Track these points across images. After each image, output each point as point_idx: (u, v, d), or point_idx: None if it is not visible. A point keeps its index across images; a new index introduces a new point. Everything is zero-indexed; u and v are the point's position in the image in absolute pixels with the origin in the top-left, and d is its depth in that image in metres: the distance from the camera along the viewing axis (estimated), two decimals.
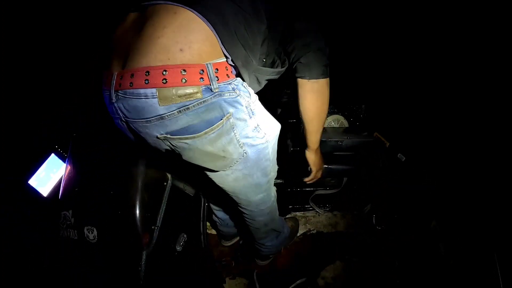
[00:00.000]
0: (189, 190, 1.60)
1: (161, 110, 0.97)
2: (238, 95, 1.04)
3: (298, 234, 2.24)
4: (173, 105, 0.96)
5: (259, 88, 1.23)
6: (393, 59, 2.04)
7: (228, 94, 1.01)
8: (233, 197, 1.38)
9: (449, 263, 1.63)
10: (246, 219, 1.57)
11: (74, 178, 1.55)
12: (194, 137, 1.02)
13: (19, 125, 1.96)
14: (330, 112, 2.19)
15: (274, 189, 1.51)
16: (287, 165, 2.20)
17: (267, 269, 2.12)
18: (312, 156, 1.58)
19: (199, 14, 0.95)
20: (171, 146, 1.06)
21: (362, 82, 2.23)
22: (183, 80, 0.95)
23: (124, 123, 1.08)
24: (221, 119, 1.01)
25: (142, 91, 0.96)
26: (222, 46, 0.99)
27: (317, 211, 2.32)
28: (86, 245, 1.45)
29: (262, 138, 1.15)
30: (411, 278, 1.87)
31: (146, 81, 0.95)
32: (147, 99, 0.96)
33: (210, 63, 0.98)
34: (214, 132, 1.03)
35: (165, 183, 1.46)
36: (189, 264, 1.60)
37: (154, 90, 0.95)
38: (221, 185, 1.28)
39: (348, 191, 2.33)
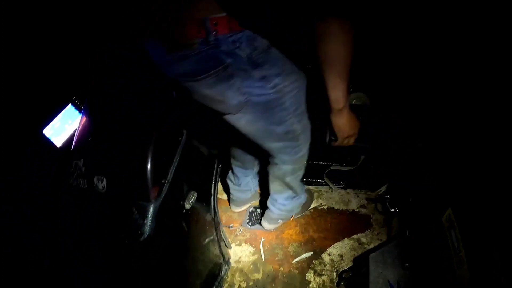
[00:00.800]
0: (204, 149, 1.56)
1: (168, 57, 1.14)
2: (238, 47, 1.09)
3: (309, 208, 2.20)
4: (176, 53, 1.11)
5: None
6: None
7: (226, 46, 1.08)
8: (253, 140, 1.45)
9: (459, 254, 1.57)
10: (270, 164, 1.61)
11: (89, 128, 1.53)
12: (193, 81, 1.15)
13: (37, 74, 1.94)
14: (351, 91, 2.10)
15: (305, 146, 1.53)
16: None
17: (274, 240, 2.09)
18: (337, 120, 1.28)
19: None
20: (183, 84, 1.21)
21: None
22: (183, 33, 1.06)
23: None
24: (218, 68, 1.10)
25: (155, 39, 1.16)
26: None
27: (330, 187, 2.27)
28: (94, 195, 1.44)
29: (272, 88, 1.19)
30: (419, 263, 1.82)
31: (152, 34, 1.15)
32: (159, 47, 1.15)
33: (208, 18, 1.02)
34: (211, 78, 1.12)
35: (180, 138, 1.43)
36: (196, 223, 1.58)
37: (161, 40, 1.13)
38: (236, 127, 1.37)
39: (364, 170, 2.26)
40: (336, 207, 2.21)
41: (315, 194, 2.28)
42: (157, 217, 1.33)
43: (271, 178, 1.71)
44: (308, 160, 2.30)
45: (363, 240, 2.04)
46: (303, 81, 1.29)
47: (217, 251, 1.81)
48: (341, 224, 2.13)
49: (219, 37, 1.06)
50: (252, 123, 1.32)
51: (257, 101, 1.22)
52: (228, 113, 1.29)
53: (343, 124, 1.29)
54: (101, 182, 1.42)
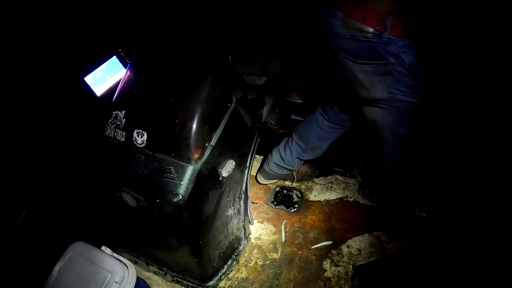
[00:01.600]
0: (248, 120, 1.52)
1: (340, 30, 1.28)
2: (404, 52, 1.24)
3: (335, 198, 2.17)
4: (348, 31, 1.25)
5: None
6: None
7: (394, 47, 1.23)
8: (371, 123, 1.57)
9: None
10: (377, 149, 1.73)
11: (134, 82, 1.49)
12: (353, 61, 1.30)
13: (88, 23, 1.91)
14: None
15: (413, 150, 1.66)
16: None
17: (297, 223, 2.07)
18: None
19: None
20: (339, 61, 1.34)
21: None
22: (363, 19, 1.20)
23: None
24: (380, 61, 1.25)
25: (334, 11, 1.27)
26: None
27: (359, 180, 2.23)
28: (131, 148, 1.41)
29: (414, 98, 1.36)
30: (438, 271, 1.78)
31: (340, 6, 1.25)
32: (335, 18, 1.28)
33: (390, 17, 1.19)
34: (369, 67, 1.28)
35: (228, 104, 1.39)
36: (228, 193, 1.55)
37: (341, 14, 1.26)
38: (366, 114, 1.52)
39: None
40: (362, 202, 2.17)
41: (342, 185, 2.24)
42: (195, 180, 1.31)
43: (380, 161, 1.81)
44: (341, 150, 2.29)
45: (383, 238, 2.00)
46: None
47: (240, 225, 1.79)
48: (364, 218, 2.09)
49: (392, 38, 1.22)
50: (381, 117, 1.48)
51: (397, 104, 1.38)
52: (363, 101, 1.45)
53: None
54: (141, 137, 1.40)
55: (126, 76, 1.52)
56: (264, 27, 2.35)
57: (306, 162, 2.21)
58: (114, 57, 2.01)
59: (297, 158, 2.07)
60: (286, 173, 2.16)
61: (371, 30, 1.22)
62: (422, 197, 2.07)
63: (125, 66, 2.03)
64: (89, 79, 1.91)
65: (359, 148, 2.28)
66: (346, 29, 1.26)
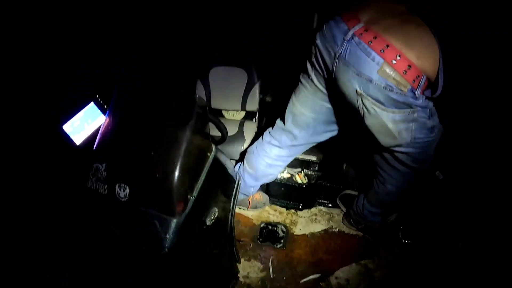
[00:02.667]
0: (229, 165, 1.54)
1: (375, 76, 1.20)
2: (429, 101, 1.30)
3: (320, 230, 2.19)
4: (385, 80, 1.20)
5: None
6: None
7: (422, 100, 1.27)
8: (380, 160, 1.61)
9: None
10: (378, 179, 1.75)
11: (113, 132, 1.50)
12: (383, 109, 1.26)
13: (62, 70, 1.91)
14: None
15: (416, 176, 1.67)
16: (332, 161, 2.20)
17: (283, 258, 2.07)
18: None
19: (440, 52, 1.20)
20: (362, 103, 1.28)
21: None
22: (404, 72, 1.18)
23: (332, 60, 1.30)
24: (409, 109, 1.26)
25: (373, 53, 1.19)
26: (441, 78, 1.24)
27: (342, 210, 2.26)
28: (115, 202, 1.41)
29: (432, 137, 1.40)
30: None
31: (382, 51, 1.17)
32: (372, 61, 1.19)
33: (425, 76, 1.21)
34: (399, 115, 1.27)
35: (208, 154, 1.41)
36: (212, 238, 1.56)
37: (382, 60, 1.18)
38: (377, 148, 1.51)
39: None
40: (347, 231, 2.20)
41: (327, 216, 2.26)
42: (179, 233, 1.31)
43: (373, 189, 1.85)
44: (322, 182, 2.33)
45: (370, 266, 2.02)
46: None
47: (227, 265, 1.79)
48: (350, 248, 2.11)
49: (420, 94, 1.26)
50: (394, 157, 1.51)
51: (416, 145, 1.41)
52: (381, 145, 1.44)
53: None
54: (123, 191, 1.40)
55: (105, 124, 1.51)
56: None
57: (260, 189, 2.23)
58: (92, 103, 1.99)
59: (250, 186, 2.07)
60: (242, 197, 2.18)
61: (406, 84, 1.21)
62: (405, 224, 2.11)
63: (103, 112, 2.02)
64: (67, 127, 1.88)
65: (341, 178, 2.32)
66: (383, 76, 1.20)
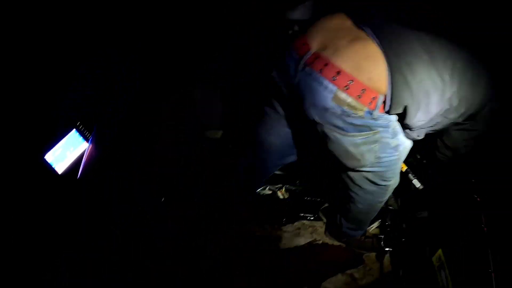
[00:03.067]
0: None
1: (330, 104, 1.18)
2: (390, 121, 1.25)
3: (304, 243, 2.17)
4: (341, 107, 1.17)
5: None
6: None
7: (382, 120, 1.22)
8: (347, 180, 1.55)
9: None
10: (348, 199, 1.69)
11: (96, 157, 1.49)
12: (344, 134, 1.23)
13: (42, 97, 1.85)
14: None
15: (388, 195, 1.65)
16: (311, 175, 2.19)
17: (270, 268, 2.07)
18: None
19: (389, 72, 1.14)
20: (322, 131, 1.27)
21: None
22: (359, 96, 1.15)
23: (289, 90, 1.30)
24: (369, 132, 1.23)
25: (325, 82, 1.16)
26: (389, 97, 1.17)
27: (325, 222, 2.25)
28: None
29: (397, 155, 1.38)
30: None
31: (334, 78, 1.15)
32: (324, 90, 1.17)
33: (382, 96, 1.16)
34: (360, 138, 1.25)
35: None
36: None
37: (335, 88, 1.15)
38: (342, 169, 1.47)
39: None
40: (330, 242, 2.15)
41: (310, 229, 2.23)
42: None
43: (344, 212, 1.85)
44: (304, 196, 2.32)
45: (356, 275, 2.00)
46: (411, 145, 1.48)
47: None
48: (335, 259, 2.05)
49: (379, 114, 1.21)
50: (362, 174, 1.46)
51: (381, 164, 1.38)
52: (351, 167, 1.40)
53: None
54: None
55: (89, 151, 1.49)
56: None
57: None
58: (74, 130, 1.87)
59: None
60: None
61: (363, 107, 1.18)
62: (386, 232, 2.10)
63: (85, 139, 1.90)
64: (50, 156, 1.77)
65: (322, 191, 2.29)
66: (338, 103, 1.18)
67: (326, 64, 1.16)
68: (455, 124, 1.33)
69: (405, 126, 1.31)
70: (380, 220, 2.13)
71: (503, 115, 1.37)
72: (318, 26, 1.26)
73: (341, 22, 1.24)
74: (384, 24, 1.18)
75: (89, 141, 1.44)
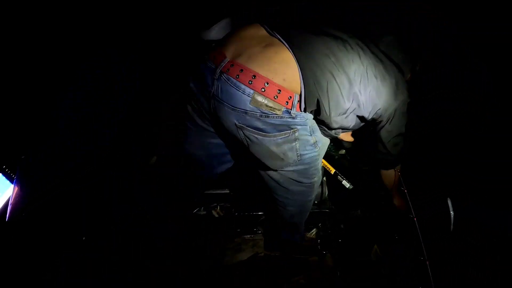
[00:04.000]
0: None
1: (248, 107, 1.24)
2: (307, 119, 1.33)
3: (246, 258, 2.15)
4: (259, 108, 1.24)
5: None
6: None
7: (299, 118, 1.30)
8: (273, 184, 1.59)
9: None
10: (278, 205, 1.73)
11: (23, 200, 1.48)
12: (264, 135, 1.29)
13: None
14: None
15: (315, 192, 1.71)
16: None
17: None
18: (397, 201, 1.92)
19: (300, 72, 1.23)
20: (243, 135, 1.31)
21: None
22: (275, 97, 1.22)
23: (208, 100, 1.32)
24: (289, 131, 1.30)
25: (242, 86, 1.22)
26: (303, 96, 1.27)
27: (263, 234, 2.21)
28: None
29: (317, 151, 1.44)
30: None
31: (250, 82, 1.21)
32: (243, 94, 1.22)
33: (297, 95, 1.26)
34: (281, 138, 1.31)
35: None
36: None
37: (252, 91, 1.22)
38: (267, 173, 1.52)
39: None
40: (272, 254, 2.15)
41: (251, 243, 2.21)
42: None
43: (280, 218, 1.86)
44: (241, 212, 2.30)
45: (302, 282, 1.99)
46: (328, 142, 1.61)
47: None
48: (279, 269, 2.05)
49: (297, 112, 1.28)
50: (287, 174, 1.51)
51: (303, 161, 1.43)
52: (275, 167, 1.45)
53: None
54: None
55: (15, 193, 1.49)
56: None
57: None
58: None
59: None
60: None
61: (280, 107, 1.25)
62: (323, 236, 2.14)
63: (11, 181, 1.79)
64: None
65: (257, 206, 2.29)
66: (256, 105, 1.24)
67: (241, 70, 1.23)
68: (374, 123, 1.43)
69: (322, 123, 1.40)
70: (319, 224, 2.17)
71: (415, 115, 1.48)
72: (233, 36, 1.33)
73: (255, 32, 1.32)
74: (295, 32, 1.27)
75: (14, 183, 1.43)
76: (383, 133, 1.44)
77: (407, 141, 1.52)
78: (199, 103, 1.40)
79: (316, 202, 2.05)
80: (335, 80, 1.25)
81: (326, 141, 1.54)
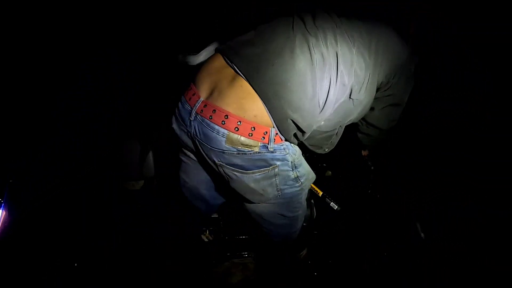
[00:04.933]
0: None
1: (225, 147, 1.23)
2: (287, 153, 1.30)
3: (237, 281, 2.12)
4: (235, 147, 1.23)
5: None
6: None
7: (279, 152, 1.28)
8: (256, 217, 1.58)
9: None
10: (265, 234, 1.72)
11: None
12: (243, 172, 1.28)
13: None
14: None
15: (300, 223, 1.70)
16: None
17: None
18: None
19: (265, 106, 1.21)
20: (223, 172, 1.31)
21: None
22: (250, 134, 1.21)
23: (192, 139, 1.33)
24: (268, 167, 1.28)
25: (216, 127, 1.22)
26: (276, 128, 1.24)
27: (254, 258, 2.19)
28: None
29: (298, 186, 1.41)
30: None
31: (223, 122, 1.20)
32: (217, 135, 1.22)
33: (274, 129, 1.24)
34: (259, 174, 1.29)
35: None
36: None
37: (226, 132, 1.21)
38: (250, 206, 1.51)
39: None
40: (262, 277, 2.11)
41: (240, 267, 2.18)
42: None
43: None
44: (230, 236, 2.27)
45: None
46: (314, 177, 1.57)
47: None
48: None
49: (275, 145, 1.26)
50: (269, 208, 1.49)
51: (285, 196, 1.41)
52: (256, 201, 1.44)
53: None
54: None
55: (3, 218, 1.49)
56: None
57: None
58: None
59: None
60: None
61: (256, 143, 1.24)
62: (314, 257, 2.14)
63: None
64: None
65: (245, 229, 2.26)
66: (232, 145, 1.24)
67: (214, 111, 1.23)
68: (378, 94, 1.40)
69: (309, 142, 1.40)
70: (309, 245, 2.15)
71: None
72: (203, 71, 1.33)
73: (219, 63, 1.31)
74: (245, 58, 1.24)
75: (1, 207, 1.43)
76: (384, 100, 1.43)
77: (401, 118, 1.52)
78: (184, 143, 1.41)
79: (304, 224, 1.98)
80: (293, 87, 1.22)
81: (311, 175, 1.50)
